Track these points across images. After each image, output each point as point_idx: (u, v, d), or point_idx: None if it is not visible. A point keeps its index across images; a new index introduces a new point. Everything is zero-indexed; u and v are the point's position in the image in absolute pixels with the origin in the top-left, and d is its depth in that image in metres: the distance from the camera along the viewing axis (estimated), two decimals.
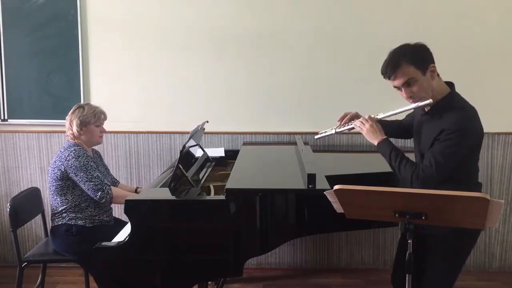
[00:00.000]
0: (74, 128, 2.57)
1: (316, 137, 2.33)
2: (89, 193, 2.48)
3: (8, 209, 2.48)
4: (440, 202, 1.57)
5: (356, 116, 2.18)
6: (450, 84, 1.94)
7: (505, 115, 3.29)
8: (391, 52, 1.90)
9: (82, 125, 2.57)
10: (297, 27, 3.27)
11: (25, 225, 2.82)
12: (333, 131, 2.22)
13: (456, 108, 1.86)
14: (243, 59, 3.31)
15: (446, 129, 1.80)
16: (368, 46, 3.25)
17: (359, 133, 2.09)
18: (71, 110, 2.62)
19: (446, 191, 1.56)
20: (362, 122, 2.04)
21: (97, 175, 2.50)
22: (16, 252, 2.49)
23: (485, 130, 3.06)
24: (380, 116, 2.07)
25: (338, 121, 2.23)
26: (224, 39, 3.29)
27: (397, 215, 1.63)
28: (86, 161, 2.50)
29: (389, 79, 1.89)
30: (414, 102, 1.90)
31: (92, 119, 2.59)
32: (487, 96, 3.21)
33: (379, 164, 2.91)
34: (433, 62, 1.88)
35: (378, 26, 3.22)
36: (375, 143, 2.00)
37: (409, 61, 1.83)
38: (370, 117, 2.04)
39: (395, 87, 1.91)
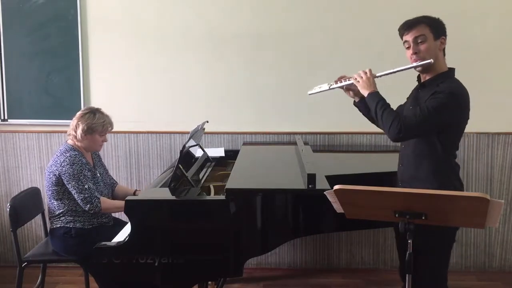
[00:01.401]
0: (79, 132, 2.53)
1: (309, 92, 2.32)
2: (78, 202, 2.47)
3: (8, 209, 2.48)
4: (440, 202, 1.57)
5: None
6: (451, 68, 2.06)
7: (505, 115, 3.29)
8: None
9: (88, 131, 2.54)
10: (297, 27, 3.27)
11: (25, 225, 2.82)
12: (328, 87, 2.23)
13: (453, 81, 1.99)
14: (243, 59, 3.31)
15: (437, 91, 1.92)
16: (368, 46, 3.25)
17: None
18: (81, 112, 2.58)
19: (446, 191, 1.57)
20: (360, 73, 2.09)
21: (88, 187, 2.46)
22: (16, 252, 2.49)
23: (485, 130, 3.09)
24: (378, 74, 2.09)
25: (337, 79, 2.25)
26: (224, 39, 3.29)
27: (397, 215, 1.63)
28: (80, 170, 2.48)
29: (403, 34, 2.01)
30: (416, 60, 1.98)
31: (100, 129, 2.56)
32: (487, 96, 3.21)
33: (379, 164, 2.92)
34: (446, 37, 2.04)
35: (378, 26, 3.22)
36: (366, 93, 2.04)
37: (426, 23, 1.99)
38: (370, 70, 2.09)
39: (405, 42, 2.02)
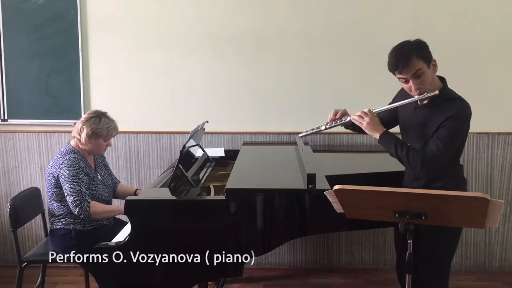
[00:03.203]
0: (83, 136, 2.51)
1: (300, 135, 2.36)
2: (69, 204, 2.44)
3: (8, 209, 2.48)
4: (440, 202, 1.57)
5: (345, 114, 2.23)
6: (442, 79, 2.07)
7: (505, 115, 3.29)
8: (397, 48, 1.98)
9: (92, 136, 2.52)
10: (297, 27, 3.26)
11: (25, 225, 2.81)
12: (323, 127, 2.24)
13: (455, 98, 2.00)
14: (243, 59, 3.31)
15: (451, 117, 1.93)
16: (368, 46, 3.25)
17: (354, 133, 2.10)
18: (87, 116, 2.56)
19: (446, 191, 1.57)
20: (361, 115, 2.08)
21: (79, 190, 2.43)
22: (16, 252, 2.49)
23: (485, 130, 3.09)
24: (377, 109, 2.11)
25: (330, 119, 2.25)
26: (224, 39, 3.28)
27: (397, 215, 1.63)
28: (76, 173, 2.45)
29: (399, 73, 1.97)
30: (421, 93, 1.98)
31: (104, 133, 2.54)
32: (487, 96, 3.21)
33: (379, 164, 2.92)
34: (433, 58, 2.00)
35: (378, 26, 3.22)
36: (377, 135, 2.06)
37: (418, 55, 1.94)
38: (370, 110, 2.09)
39: (402, 79, 1.98)
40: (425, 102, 2.04)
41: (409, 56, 1.92)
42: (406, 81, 1.98)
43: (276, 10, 3.27)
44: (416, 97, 2.00)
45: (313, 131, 2.28)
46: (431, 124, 1.99)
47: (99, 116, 2.56)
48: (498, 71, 3.26)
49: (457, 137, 1.97)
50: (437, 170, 2.00)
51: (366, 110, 2.08)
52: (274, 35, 3.28)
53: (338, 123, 2.21)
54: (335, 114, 2.24)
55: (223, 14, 3.27)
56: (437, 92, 1.97)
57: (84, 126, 2.52)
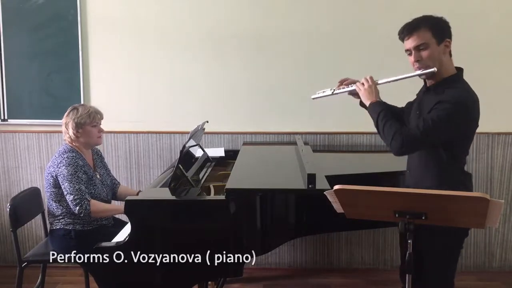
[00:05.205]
0: (71, 131, 2.53)
1: (312, 97, 2.26)
2: (69, 204, 2.44)
3: (8, 209, 2.48)
4: (440, 202, 1.57)
5: (353, 82, 2.14)
6: (459, 69, 1.96)
7: (505, 115, 3.29)
8: (414, 18, 1.92)
9: (78, 127, 2.53)
10: (297, 27, 3.27)
11: (25, 225, 2.81)
12: (331, 92, 2.17)
13: (459, 87, 1.87)
14: (243, 59, 3.31)
15: (443, 101, 1.81)
16: (368, 46, 3.25)
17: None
18: (66, 113, 2.59)
19: (446, 191, 1.57)
20: (362, 82, 2.02)
21: (79, 188, 2.42)
22: (16, 252, 2.49)
23: (485, 130, 3.07)
24: (380, 81, 2.03)
25: (339, 82, 2.19)
26: (224, 39, 3.29)
27: (397, 215, 1.63)
28: (75, 171, 2.45)
29: (403, 39, 1.90)
30: (419, 68, 1.89)
31: (87, 120, 2.55)
32: (487, 96, 3.19)
33: (379, 164, 2.92)
34: (450, 38, 1.91)
35: (378, 26, 3.22)
36: (368, 103, 1.97)
37: (428, 27, 1.86)
38: (371, 77, 2.02)
39: (406, 50, 1.92)
40: (432, 83, 1.94)
41: (418, 25, 1.86)
42: (410, 53, 1.89)
43: (276, 10, 3.27)
44: (415, 72, 1.91)
45: (324, 93, 2.19)
46: (426, 108, 1.89)
47: (76, 108, 2.59)
48: (498, 71, 3.26)
49: (445, 123, 1.79)
50: (409, 150, 1.88)
51: (368, 77, 2.02)
52: (274, 35, 3.28)
53: (345, 89, 2.12)
54: (343, 81, 2.16)
55: (223, 14, 3.27)
56: (434, 69, 1.84)
57: (67, 122, 2.55)
